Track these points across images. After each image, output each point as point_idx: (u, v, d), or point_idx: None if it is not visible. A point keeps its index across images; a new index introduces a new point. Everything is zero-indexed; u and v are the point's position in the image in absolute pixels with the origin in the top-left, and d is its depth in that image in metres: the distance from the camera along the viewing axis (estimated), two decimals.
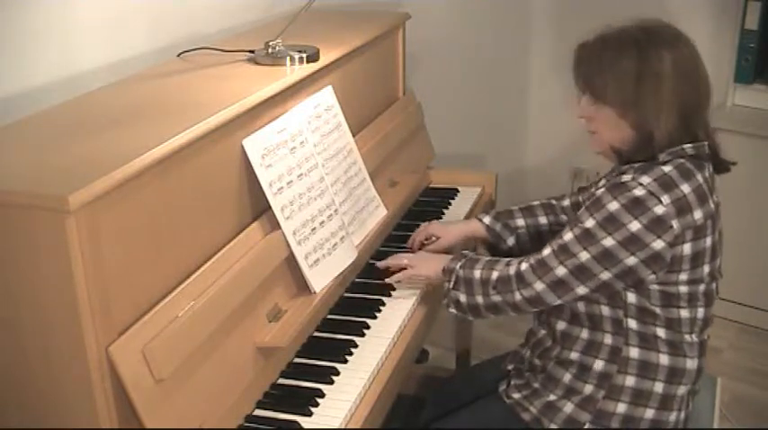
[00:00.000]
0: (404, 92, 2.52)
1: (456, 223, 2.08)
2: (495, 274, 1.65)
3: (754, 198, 2.88)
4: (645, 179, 1.50)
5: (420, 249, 2.01)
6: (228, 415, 1.46)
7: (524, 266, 1.61)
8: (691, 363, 1.61)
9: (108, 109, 1.61)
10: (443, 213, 2.29)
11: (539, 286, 1.58)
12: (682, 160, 1.53)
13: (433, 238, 2.02)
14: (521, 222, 1.97)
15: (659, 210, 1.47)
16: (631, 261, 1.49)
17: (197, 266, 1.46)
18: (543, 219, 1.96)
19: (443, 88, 3.26)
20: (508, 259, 1.67)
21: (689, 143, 1.55)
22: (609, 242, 1.49)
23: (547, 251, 1.58)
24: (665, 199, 1.48)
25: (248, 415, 1.51)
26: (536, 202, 1.99)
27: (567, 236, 1.55)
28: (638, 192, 1.49)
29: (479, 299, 1.66)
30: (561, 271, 1.55)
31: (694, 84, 1.55)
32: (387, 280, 1.89)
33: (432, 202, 2.36)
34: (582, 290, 1.55)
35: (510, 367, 1.79)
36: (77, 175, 1.22)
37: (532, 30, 3.39)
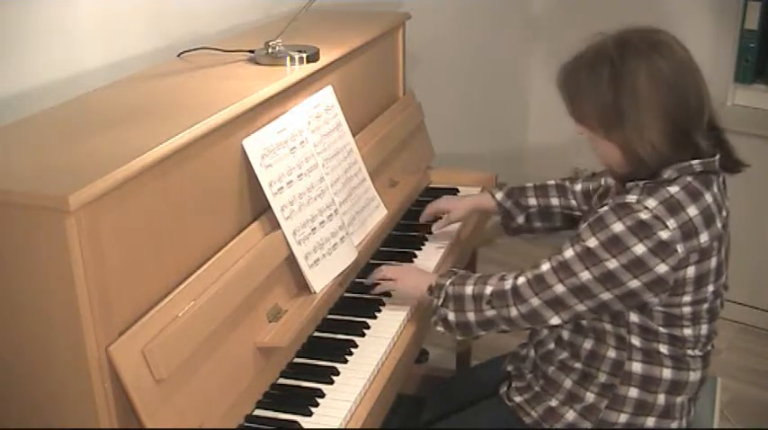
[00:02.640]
0: (404, 92, 2.52)
1: (467, 196, 2.12)
2: (488, 289, 1.60)
3: (754, 198, 2.88)
4: (651, 202, 1.45)
5: (432, 223, 2.11)
6: (228, 415, 1.46)
7: (521, 281, 1.56)
8: (694, 375, 1.60)
9: (108, 109, 1.61)
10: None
11: (535, 302, 1.53)
12: (689, 179, 1.48)
13: (443, 215, 2.09)
14: (533, 201, 1.99)
15: (664, 234, 1.43)
16: (634, 284, 1.46)
17: (197, 266, 1.46)
18: (555, 201, 1.98)
19: (443, 88, 3.26)
20: (502, 273, 1.62)
21: (696, 158, 1.48)
22: (612, 264, 1.45)
23: (545, 267, 1.53)
24: (671, 223, 1.44)
25: (248, 415, 1.51)
26: (551, 182, 2.00)
27: (568, 253, 1.50)
28: (644, 215, 1.44)
29: (470, 316, 1.62)
30: (560, 288, 1.51)
31: (680, 95, 1.45)
32: (372, 291, 1.84)
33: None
34: (581, 307, 1.51)
35: (510, 368, 1.78)
36: (77, 175, 1.22)
37: (532, 29, 3.39)
